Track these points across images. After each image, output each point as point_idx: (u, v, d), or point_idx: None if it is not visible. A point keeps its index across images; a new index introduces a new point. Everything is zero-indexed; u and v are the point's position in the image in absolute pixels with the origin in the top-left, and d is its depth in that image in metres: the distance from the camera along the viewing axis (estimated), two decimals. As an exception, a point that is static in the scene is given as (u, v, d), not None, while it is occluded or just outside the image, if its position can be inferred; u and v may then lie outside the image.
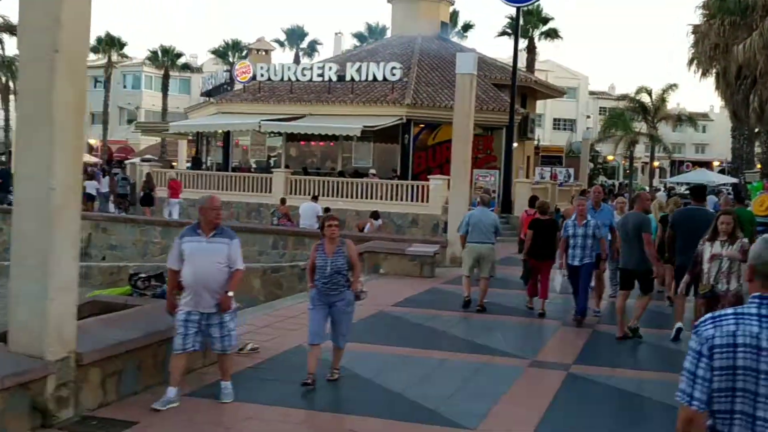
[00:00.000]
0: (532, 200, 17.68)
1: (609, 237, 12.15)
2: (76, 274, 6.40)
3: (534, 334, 11.33)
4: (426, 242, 18.18)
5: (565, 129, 79.66)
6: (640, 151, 65.33)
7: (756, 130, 33.32)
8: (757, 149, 40.78)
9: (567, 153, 54.52)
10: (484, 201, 13.69)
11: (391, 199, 26.84)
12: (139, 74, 72.11)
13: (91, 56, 71.52)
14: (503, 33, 49.60)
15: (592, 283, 12.03)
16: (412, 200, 26.67)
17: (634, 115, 55.80)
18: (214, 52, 66.99)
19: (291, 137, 32.16)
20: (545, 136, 73.39)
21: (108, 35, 65.17)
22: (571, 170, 45.75)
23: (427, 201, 26.12)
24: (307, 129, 28.48)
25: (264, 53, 38.58)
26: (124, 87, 72.65)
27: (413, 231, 26.06)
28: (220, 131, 31.97)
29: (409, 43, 35.05)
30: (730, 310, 2.90)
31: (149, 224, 23.43)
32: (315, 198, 23.16)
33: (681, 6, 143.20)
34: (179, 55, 65.43)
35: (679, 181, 63.61)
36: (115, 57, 66.80)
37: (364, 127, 27.03)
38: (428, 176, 26.70)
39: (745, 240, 8.85)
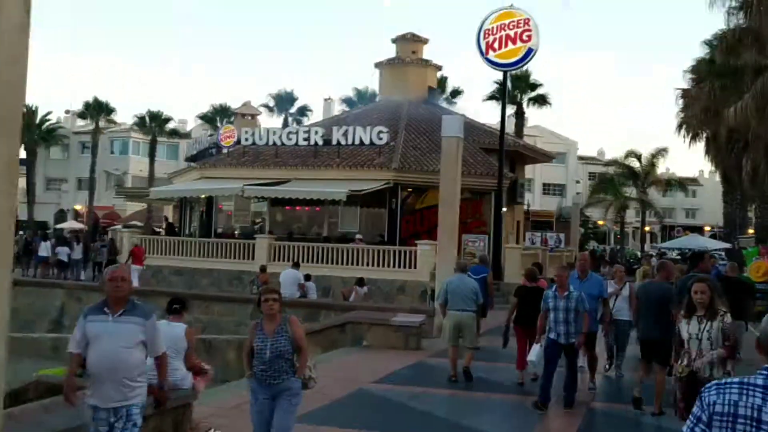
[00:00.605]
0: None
1: (599, 309, 11.35)
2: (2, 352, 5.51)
3: (525, 413, 10.38)
4: (413, 312, 17.32)
5: (554, 194, 79.46)
6: (631, 215, 64.96)
7: (749, 194, 32.94)
8: (751, 214, 40.33)
9: (557, 218, 54.07)
10: (461, 267, 13.07)
11: (378, 265, 26.06)
12: (126, 140, 71.83)
13: (79, 122, 71.47)
14: (491, 98, 49.49)
15: (581, 362, 11.12)
16: (399, 266, 25.88)
17: (624, 180, 55.52)
18: (202, 117, 66.80)
19: (276, 202, 31.52)
20: (535, 201, 73.02)
21: (96, 101, 64.94)
22: (562, 235, 45.16)
23: (415, 267, 25.34)
24: (291, 194, 27.83)
25: (250, 117, 38.24)
26: (112, 153, 72.23)
27: (401, 298, 25.20)
28: (203, 196, 31.24)
29: (396, 107, 34.73)
30: (736, 380, 2.87)
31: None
32: (296, 265, 22.33)
33: (670, 70, 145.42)
34: (167, 120, 65.16)
35: (671, 247, 63.14)
36: (102, 122, 66.53)
37: (350, 191, 26.40)
38: (416, 241, 25.96)
39: (728, 318, 7.52)
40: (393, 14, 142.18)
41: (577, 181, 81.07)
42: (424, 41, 37.73)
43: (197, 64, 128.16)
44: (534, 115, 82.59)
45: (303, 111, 63.07)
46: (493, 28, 28.07)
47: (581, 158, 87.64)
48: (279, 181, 29.23)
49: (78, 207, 66.72)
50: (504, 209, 29.40)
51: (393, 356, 14.31)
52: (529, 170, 67.00)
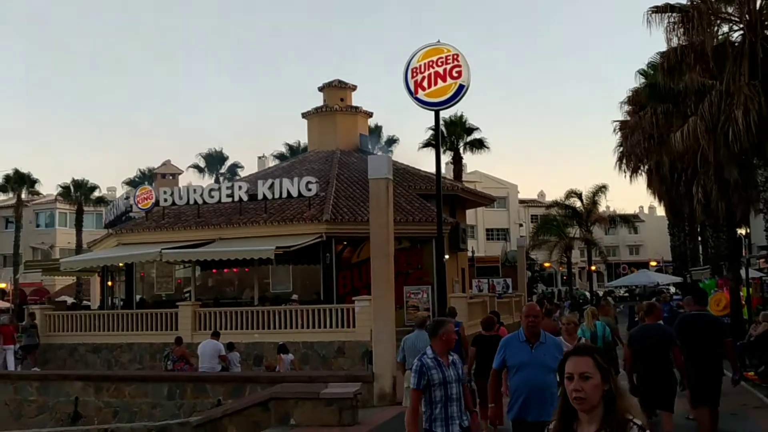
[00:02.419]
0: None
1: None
2: None
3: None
4: (348, 379, 15.17)
5: (498, 239, 78.46)
6: (576, 256, 63.97)
7: (701, 223, 31.69)
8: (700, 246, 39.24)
9: (503, 262, 52.66)
10: (419, 323, 12.65)
11: (314, 326, 23.83)
12: (52, 211, 68.66)
13: (1, 196, 68.06)
14: (428, 144, 48.13)
15: None
16: (336, 326, 23.68)
17: (567, 220, 54.52)
18: (129, 182, 64.09)
19: (205, 265, 29.26)
20: (480, 247, 71.78)
21: (17, 173, 61.78)
22: (509, 280, 43.72)
23: (354, 326, 23.17)
24: (212, 255, 25.55)
25: (171, 177, 35.92)
26: (38, 226, 68.94)
27: (340, 361, 23.00)
28: (121, 264, 28.73)
29: (327, 157, 32.97)
30: None
31: (23, 379, 19.83)
32: (216, 334, 19.96)
33: (605, 105, 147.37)
34: (93, 189, 62.30)
35: (619, 285, 62.21)
36: (25, 195, 63.35)
37: (277, 248, 24.26)
38: (353, 298, 23.86)
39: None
40: (323, 67, 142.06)
41: (520, 225, 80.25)
42: (352, 88, 36.17)
43: (122, 128, 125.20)
44: (472, 162, 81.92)
45: (233, 170, 60.89)
46: (420, 66, 26.51)
47: (522, 201, 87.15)
48: (202, 243, 26.98)
49: (2, 285, 63.06)
50: (446, 257, 27.54)
51: (325, 436, 12.17)
52: (471, 216, 65.80)
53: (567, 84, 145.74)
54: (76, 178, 62.53)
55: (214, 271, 29.97)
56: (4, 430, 18.18)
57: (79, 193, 62.23)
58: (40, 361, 26.46)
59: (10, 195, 64.14)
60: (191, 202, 27.99)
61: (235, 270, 29.36)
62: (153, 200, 28.70)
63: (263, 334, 23.83)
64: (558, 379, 6.44)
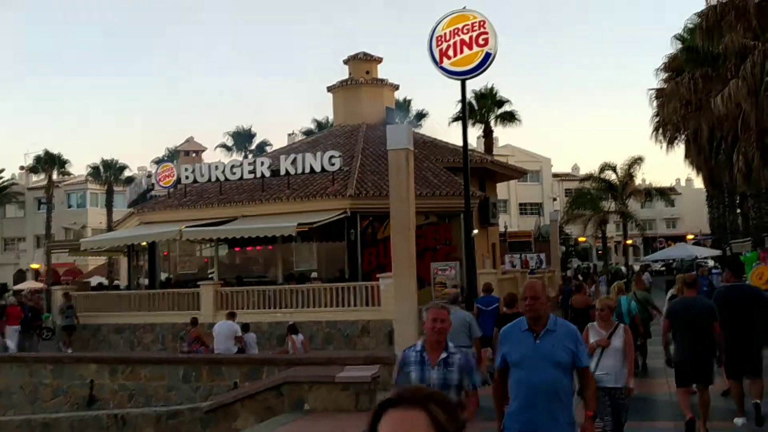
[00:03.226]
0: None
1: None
2: None
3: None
4: (367, 362, 14.41)
5: (532, 213, 77.15)
6: (611, 230, 62.57)
7: (742, 194, 30.28)
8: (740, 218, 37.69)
9: (536, 237, 51.54)
10: (451, 299, 12.26)
11: (338, 305, 23.15)
12: (83, 192, 68.75)
13: (34, 178, 68.35)
14: (457, 118, 46.99)
15: None
16: (361, 305, 22.96)
17: (602, 194, 53.11)
18: (158, 162, 63.79)
19: (228, 244, 28.72)
20: (512, 222, 70.65)
21: (47, 153, 61.97)
22: (542, 255, 42.67)
23: (379, 304, 22.42)
24: (233, 232, 24.92)
25: (194, 154, 35.33)
26: (69, 206, 69.17)
27: (365, 341, 22.31)
28: (143, 244, 28.25)
29: (352, 131, 32.13)
30: None
31: (38, 362, 19.39)
32: (232, 315, 19.30)
33: (638, 78, 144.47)
34: (122, 168, 62.26)
35: (656, 259, 60.77)
36: (56, 176, 63.53)
37: (299, 224, 23.53)
38: (378, 275, 23.08)
39: None
40: (350, 40, 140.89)
41: (554, 199, 78.81)
42: (378, 60, 35.21)
43: (152, 108, 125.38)
44: (504, 135, 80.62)
45: (262, 147, 60.23)
46: (445, 33, 25.49)
47: (556, 175, 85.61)
48: (225, 220, 26.37)
49: (35, 266, 63.38)
50: (475, 231, 26.64)
51: (342, 422, 11.46)
52: (503, 191, 64.70)
53: (602, 54, 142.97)
54: (105, 158, 62.60)
55: (237, 249, 29.39)
56: (18, 414, 17.78)
57: (109, 173, 62.29)
58: (57, 341, 26.16)
59: (42, 176, 64.45)
60: (213, 179, 27.38)
61: (258, 248, 28.74)
62: (174, 178, 28.17)
63: (286, 313, 23.18)
64: (575, 379, 5.45)
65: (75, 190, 68.88)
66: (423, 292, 25.10)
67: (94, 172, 62.74)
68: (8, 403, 19.02)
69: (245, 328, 18.92)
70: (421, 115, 59.96)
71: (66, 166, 63.09)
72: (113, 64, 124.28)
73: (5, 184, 64.40)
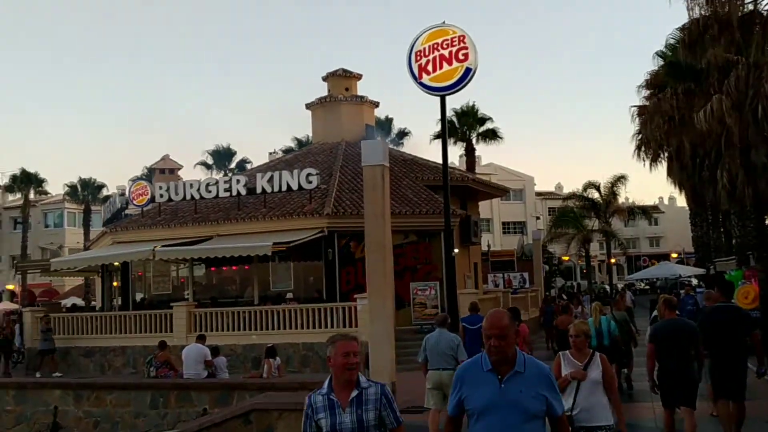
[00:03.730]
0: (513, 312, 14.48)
1: None
2: None
3: None
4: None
5: (515, 232, 76.78)
6: (595, 248, 62.28)
7: (725, 212, 29.92)
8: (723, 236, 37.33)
9: (519, 256, 51.12)
10: (439, 321, 12.24)
11: (315, 326, 22.51)
12: (61, 212, 67.78)
13: (11, 197, 67.33)
14: (438, 136, 46.58)
15: None
16: (339, 326, 22.31)
17: (585, 212, 52.82)
18: (143, 179, 63.03)
19: (205, 263, 28.06)
20: (495, 241, 70.24)
21: (24, 172, 61.01)
22: (526, 274, 42.18)
23: (356, 326, 21.79)
24: (206, 252, 24.27)
25: (169, 172, 34.66)
26: (46, 226, 68.15)
27: (342, 364, 21.62)
28: (116, 264, 27.50)
29: (331, 149, 31.60)
30: None
31: (0, 388, 18.58)
32: (201, 337, 18.62)
33: (621, 96, 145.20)
34: (100, 187, 61.44)
35: (640, 278, 60.46)
36: (33, 195, 62.59)
37: (274, 244, 22.91)
38: (355, 296, 22.48)
39: None
40: (330, 58, 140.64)
41: (537, 217, 78.57)
42: (357, 77, 34.77)
43: (131, 127, 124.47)
44: (487, 153, 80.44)
45: (242, 166, 59.58)
46: (425, 48, 25.00)
47: (539, 194, 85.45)
48: (200, 240, 25.70)
49: (10, 287, 62.25)
50: (456, 251, 26.09)
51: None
52: (486, 209, 64.33)
53: (585, 71, 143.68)
54: (83, 177, 61.78)
55: (213, 269, 28.73)
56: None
57: (86, 192, 61.50)
58: (30, 366, 25.34)
59: (18, 195, 63.47)
60: (188, 197, 26.76)
61: (234, 268, 28.09)
62: (148, 196, 27.54)
63: (261, 335, 22.52)
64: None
65: (52, 209, 67.90)
66: (402, 313, 24.56)
67: (72, 191, 61.92)
68: (-32, 431, 18.20)
69: (215, 351, 18.23)
70: (403, 134, 59.61)
71: (43, 185, 62.19)
72: (92, 80, 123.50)
73: (-19, 203, 63.29)
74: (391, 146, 43.72)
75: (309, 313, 22.66)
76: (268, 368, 17.11)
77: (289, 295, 24.51)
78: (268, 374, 16.80)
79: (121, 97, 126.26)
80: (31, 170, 61.16)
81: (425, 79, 25.11)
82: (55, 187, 65.25)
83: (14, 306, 55.81)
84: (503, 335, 4.42)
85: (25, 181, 61.04)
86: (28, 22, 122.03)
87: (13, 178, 61.28)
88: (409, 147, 51.88)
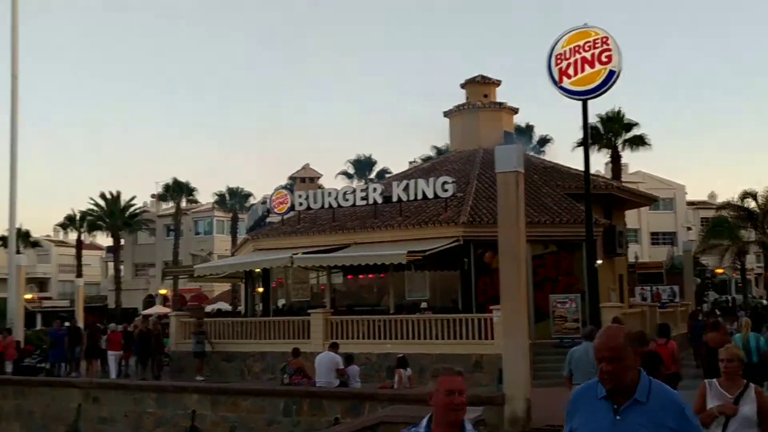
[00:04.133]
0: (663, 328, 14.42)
1: None
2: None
3: None
4: (473, 401, 13.22)
5: (665, 243, 73.38)
6: (751, 261, 58.64)
7: None
8: None
9: (667, 268, 48.68)
10: (586, 334, 12.09)
11: (449, 337, 22.10)
12: (210, 219, 70.66)
13: (164, 205, 70.86)
14: (581, 143, 45.09)
15: None
16: (474, 338, 21.82)
17: (741, 222, 49.78)
18: (284, 188, 64.71)
19: (343, 271, 28.28)
20: (644, 252, 67.37)
21: (176, 182, 63.99)
22: (675, 288, 40.03)
23: (493, 338, 21.18)
24: (342, 260, 24.36)
25: (309, 181, 35.23)
26: (197, 233, 71.24)
27: (477, 377, 21.03)
28: (257, 270, 28.12)
29: (469, 157, 31.11)
30: None
31: (142, 390, 19.20)
32: (334, 346, 18.55)
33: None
34: (247, 196, 63.56)
35: (803, 292, 56.35)
36: (184, 204, 65.53)
37: (409, 253, 22.66)
38: (491, 307, 21.86)
39: None
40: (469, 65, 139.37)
41: (689, 228, 74.78)
42: (496, 83, 34.10)
43: (276, 136, 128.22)
44: (634, 161, 77.50)
45: (382, 175, 60.01)
46: (565, 51, 24.16)
47: (691, 203, 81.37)
48: (337, 247, 25.86)
49: (163, 291, 65.36)
50: (599, 262, 24.98)
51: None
52: (634, 219, 61.81)
53: (738, 71, 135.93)
54: (230, 186, 64.10)
55: (350, 277, 28.87)
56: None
57: (234, 200, 63.72)
58: (175, 368, 26.18)
59: (170, 204, 66.64)
60: (326, 205, 27.03)
61: (370, 276, 28.09)
62: (288, 204, 28.06)
63: (395, 345, 22.30)
64: None
65: (202, 217, 70.86)
66: (542, 326, 23.73)
67: (220, 199, 64.40)
68: (113, 431, 18.90)
69: (349, 359, 18.12)
70: (544, 141, 58.24)
71: (194, 193, 65.00)
72: (238, 94, 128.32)
73: (137, 211, 66.87)
74: (531, 154, 42.76)
75: (444, 324, 22.29)
76: (398, 379, 16.82)
77: (424, 305, 24.20)
78: (399, 385, 16.51)
79: (266, 107, 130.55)
80: (183, 180, 64.07)
81: (566, 83, 24.25)
82: (205, 196, 68.02)
83: (166, 310, 58.67)
84: (617, 357, 3.73)
85: (177, 190, 63.99)
86: (182, 37, 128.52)
87: (166, 187, 64.40)
88: (550, 155, 50.55)
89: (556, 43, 24.33)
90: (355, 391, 16.75)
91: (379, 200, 26.21)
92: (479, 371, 21.20)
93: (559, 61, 24.26)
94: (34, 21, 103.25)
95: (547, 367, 19.48)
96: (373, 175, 60.59)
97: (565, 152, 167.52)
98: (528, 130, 55.96)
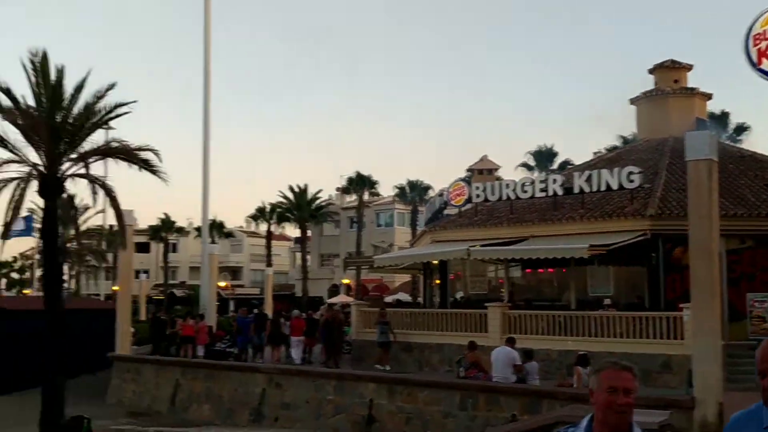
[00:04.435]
0: None
1: None
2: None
3: None
4: (658, 403, 12.46)
5: None
6: None
7: None
8: None
9: None
10: None
11: (634, 336, 21.03)
12: (391, 212, 71.86)
13: (348, 198, 72.97)
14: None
15: None
16: (662, 337, 20.62)
17: None
18: (462, 180, 64.66)
19: (521, 265, 27.72)
20: None
21: (359, 175, 65.66)
22: None
23: (682, 338, 19.92)
24: (519, 253, 23.82)
25: (487, 173, 34.81)
26: (378, 225, 72.64)
27: (666, 378, 19.94)
28: (435, 262, 28.15)
29: (657, 146, 29.50)
30: None
31: (323, 377, 19.63)
32: (510, 341, 18.07)
33: None
34: (426, 189, 64.12)
35: None
36: (366, 196, 67.08)
37: (591, 246, 21.76)
38: (681, 305, 20.57)
39: None
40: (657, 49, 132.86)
41: None
42: (687, 68, 32.15)
43: (455, 126, 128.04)
44: None
45: (565, 167, 58.46)
46: (765, 31, 22.49)
47: None
48: (515, 240, 25.33)
49: (346, 281, 67.22)
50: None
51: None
52: None
53: None
54: (410, 179, 64.87)
55: (528, 271, 28.22)
56: (303, 429, 18.16)
57: (414, 193, 64.43)
58: (355, 357, 26.70)
59: (354, 197, 68.48)
60: (504, 197, 26.56)
61: (550, 270, 27.30)
62: (465, 196, 27.86)
63: (576, 341, 21.50)
64: None
65: (383, 209, 72.15)
66: (736, 327, 22.06)
67: (401, 192, 65.33)
68: (295, 416, 19.48)
69: (528, 355, 17.62)
70: (741, 129, 54.49)
71: (375, 186, 66.42)
72: (421, 87, 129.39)
73: (323, 204, 69.12)
74: (727, 142, 40.08)
75: (628, 321, 21.25)
76: (577, 377, 16.18)
77: (607, 301, 23.18)
78: (578, 384, 15.88)
79: (445, 99, 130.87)
80: (365, 173, 65.58)
81: (765, 64, 22.56)
82: (386, 189, 69.31)
83: (349, 299, 60.33)
84: None
85: (360, 183, 65.67)
86: (372, 35, 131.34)
87: (350, 180, 66.25)
88: (749, 144, 47.19)
89: (754, 23, 22.65)
90: (533, 387, 16.29)
91: (560, 192, 25.41)
92: (668, 373, 20.05)
93: (757, 42, 22.63)
94: (229, 12, 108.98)
95: (741, 371, 18.05)
96: (554, 167, 59.17)
97: (765, 141, 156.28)
98: (723, 117, 52.59)
